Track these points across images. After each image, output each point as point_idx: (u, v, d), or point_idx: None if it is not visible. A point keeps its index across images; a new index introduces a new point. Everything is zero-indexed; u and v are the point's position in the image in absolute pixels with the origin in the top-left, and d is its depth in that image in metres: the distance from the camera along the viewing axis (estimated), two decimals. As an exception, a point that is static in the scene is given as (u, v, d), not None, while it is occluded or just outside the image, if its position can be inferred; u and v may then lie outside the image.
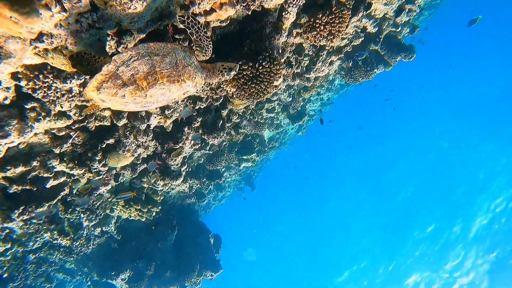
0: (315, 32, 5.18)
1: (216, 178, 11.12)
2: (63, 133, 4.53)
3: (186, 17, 3.13)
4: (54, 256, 7.81)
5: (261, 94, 5.12)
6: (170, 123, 5.92)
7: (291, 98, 9.53)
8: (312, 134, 24.59)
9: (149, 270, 10.54)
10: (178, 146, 6.30)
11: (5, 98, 3.39)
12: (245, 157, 11.90)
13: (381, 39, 8.40)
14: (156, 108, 5.33)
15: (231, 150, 11.57)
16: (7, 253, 6.51)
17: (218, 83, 5.48)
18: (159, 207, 8.07)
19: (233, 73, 3.85)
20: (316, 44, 5.42)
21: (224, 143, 10.06)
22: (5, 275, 7.55)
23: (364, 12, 6.29)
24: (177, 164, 6.70)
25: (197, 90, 4.46)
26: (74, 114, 4.33)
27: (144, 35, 3.44)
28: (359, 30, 7.50)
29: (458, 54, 34.17)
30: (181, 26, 3.24)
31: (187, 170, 8.60)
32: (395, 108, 35.95)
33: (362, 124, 39.48)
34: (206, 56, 3.47)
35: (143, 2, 2.84)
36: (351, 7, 5.30)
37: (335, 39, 5.35)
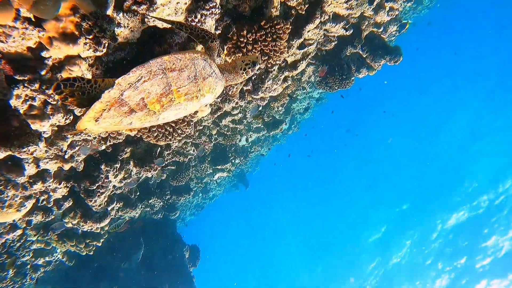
0: (241, 54, 3.90)
1: (184, 193, 10.06)
2: None
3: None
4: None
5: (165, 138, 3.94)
6: (81, 162, 4.81)
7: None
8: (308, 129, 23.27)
9: (111, 292, 9.70)
10: (96, 186, 5.20)
11: None
12: (219, 167, 10.78)
13: (362, 41, 7.02)
14: (46, 151, 4.22)
15: (203, 160, 10.46)
16: None
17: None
18: (102, 239, 7.07)
19: (257, 66, 3.16)
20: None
21: (190, 156, 8.95)
22: None
23: (322, 18, 4.94)
24: (99, 205, 5.62)
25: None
26: None
27: None
28: (330, 35, 6.16)
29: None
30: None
31: (137, 194, 7.54)
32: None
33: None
34: (216, 41, 2.85)
35: None
36: (292, 19, 4.00)
37: (272, 60, 4.07)
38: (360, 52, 7.39)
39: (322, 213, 37.67)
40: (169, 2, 3.11)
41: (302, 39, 5.09)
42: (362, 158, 35.78)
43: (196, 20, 3.31)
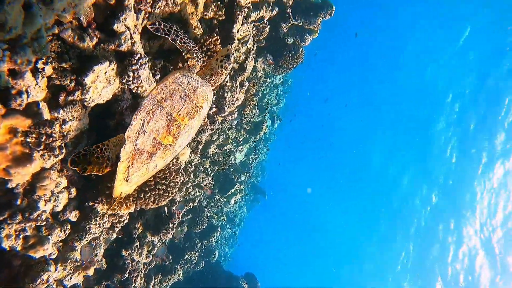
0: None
1: (211, 233, 9.97)
2: None
3: (158, 24, 2.85)
4: None
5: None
6: (101, 260, 4.72)
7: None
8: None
9: None
10: (126, 274, 5.10)
11: None
12: (229, 193, 10.70)
13: (290, 13, 7.05)
14: (64, 268, 4.12)
15: (213, 195, 10.38)
16: None
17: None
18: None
19: (232, 58, 3.18)
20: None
21: (198, 198, 8.87)
22: None
23: (244, 13, 4.95)
24: (140, 289, 5.53)
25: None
26: None
27: None
28: (260, 24, 6.18)
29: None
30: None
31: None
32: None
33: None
34: (200, 60, 3.07)
35: None
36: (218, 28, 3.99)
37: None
38: (295, 22, 7.43)
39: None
40: (98, 76, 3.06)
41: (236, 41, 5.08)
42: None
43: (131, 78, 3.26)
